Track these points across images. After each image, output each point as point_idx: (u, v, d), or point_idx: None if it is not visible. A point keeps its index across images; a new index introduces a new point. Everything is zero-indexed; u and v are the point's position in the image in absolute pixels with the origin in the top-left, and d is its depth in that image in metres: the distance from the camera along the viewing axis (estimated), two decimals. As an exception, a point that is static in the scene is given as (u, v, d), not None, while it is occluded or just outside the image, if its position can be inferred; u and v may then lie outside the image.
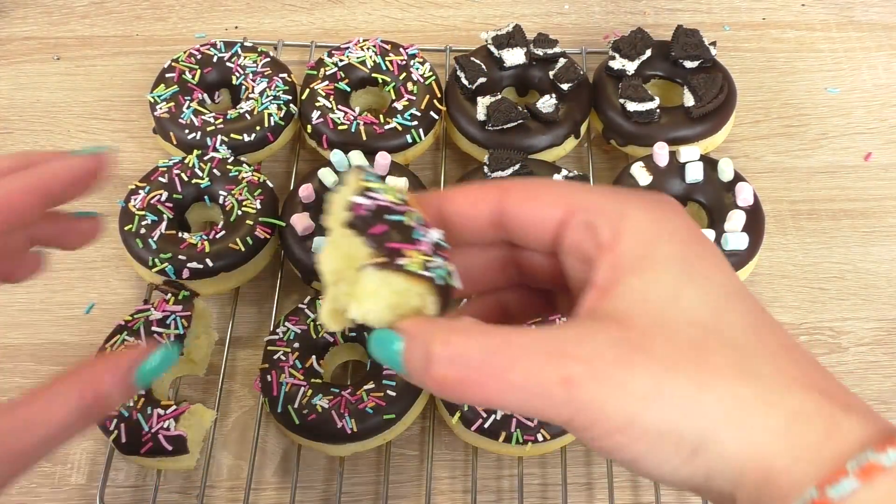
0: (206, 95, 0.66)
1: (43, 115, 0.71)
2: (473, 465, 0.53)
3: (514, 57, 0.65)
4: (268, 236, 0.58)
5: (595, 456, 0.54)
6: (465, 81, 0.64)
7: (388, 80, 0.65)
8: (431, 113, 0.64)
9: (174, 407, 0.51)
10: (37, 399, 0.32)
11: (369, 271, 0.27)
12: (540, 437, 0.50)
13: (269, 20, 0.77)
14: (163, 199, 0.58)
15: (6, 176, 0.35)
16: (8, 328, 0.59)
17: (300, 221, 0.57)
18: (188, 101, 0.64)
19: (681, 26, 0.65)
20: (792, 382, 0.24)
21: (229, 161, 0.60)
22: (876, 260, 0.63)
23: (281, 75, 0.65)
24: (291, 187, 0.62)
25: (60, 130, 0.70)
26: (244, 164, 0.61)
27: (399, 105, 0.63)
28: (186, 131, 0.62)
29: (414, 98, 0.64)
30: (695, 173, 0.58)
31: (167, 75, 0.65)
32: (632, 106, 0.62)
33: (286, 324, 0.54)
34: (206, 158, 0.60)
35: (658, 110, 0.62)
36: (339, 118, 0.62)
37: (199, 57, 0.66)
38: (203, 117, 0.62)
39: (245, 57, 0.66)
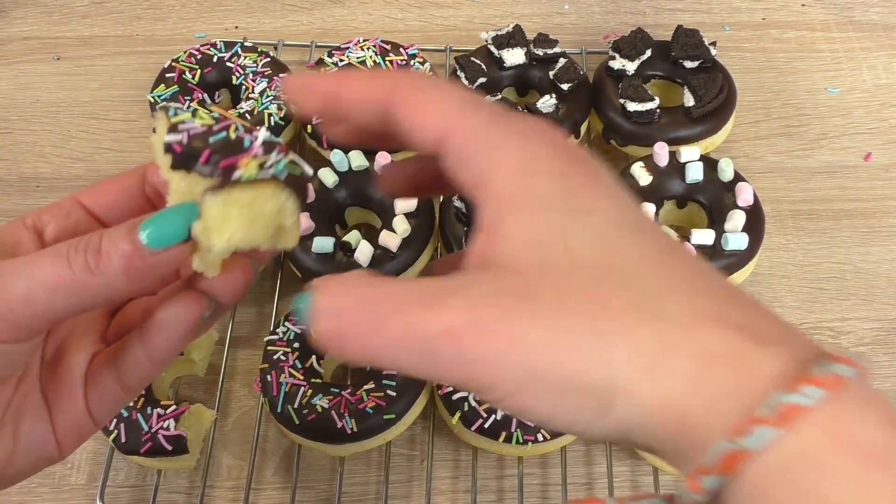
0: (206, 95, 0.66)
1: (43, 115, 0.70)
2: (473, 465, 0.53)
3: (514, 57, 0.65)
4: (268, 236, 0.58)
5: (595, 456, 0.54)
6: (465, 81, 0.64)
7: (388, 80, 0.65)
8: (431, 113, 0.64)
9: (174, 407, 0.51)
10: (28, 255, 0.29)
11: (207, 199, 0.26)
12: (540, 437, 0.50)
13: (269, 20, 0.77)
14: (163, 199, 0.58)
15: None
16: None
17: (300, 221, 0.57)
18: (188, 101, 0.64)
19: (681, 26, 0.65)
20: (702, 319, 0.22)
21: (229, 161, 0.60)
22: (876, 260, 0.63)
23: (281, 75, 0.65)
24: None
25: (60, 130, 0.70)
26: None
27: (399, 105, 0.63)
28: (186, 131, 0.62)
29: (414, 98, 0.64)
30: (695, 173, 0.58)
31: (167, 75, 0.65)
32: (632, 106, 0.62)
33: (286, 324, 0.54)
34: (206, 158, 0.60)
35: (658, 110, 0.62)
36: (339, 118, 0.62)
37: (199, 57, 0.66)
38: (203, 117, 0.62)
39: (245, 57, 0.66)
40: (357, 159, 0.59)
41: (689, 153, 0.59)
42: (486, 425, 0.50)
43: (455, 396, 0.51)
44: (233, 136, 0.27)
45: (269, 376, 0.52)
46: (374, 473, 0.54)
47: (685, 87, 0.64)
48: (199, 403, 0.53)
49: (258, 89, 0.64)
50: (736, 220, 0.56)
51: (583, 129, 0.65)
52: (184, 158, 0.27)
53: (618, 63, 0.64)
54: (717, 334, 0.22)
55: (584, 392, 0.22)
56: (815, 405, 0.20)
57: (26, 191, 0.66)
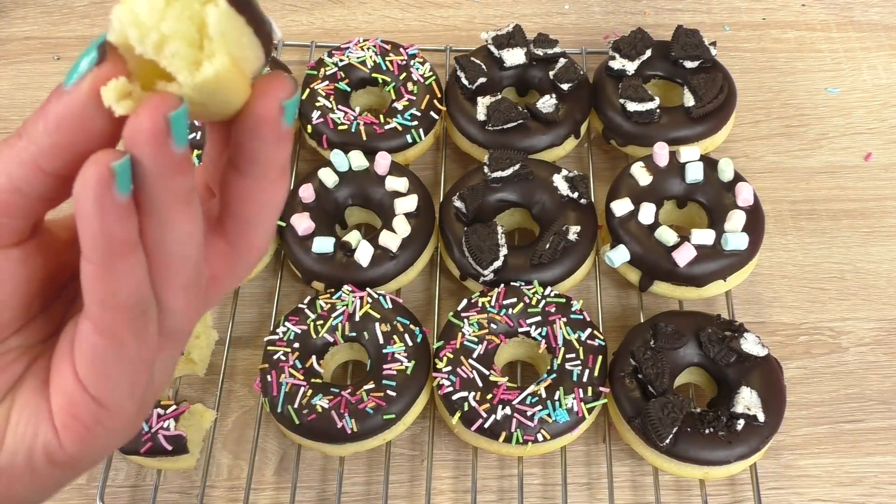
0: (206, 95, 0.66)
1: (43, 115, 0.71)
2: (473, 465, 0.53)
3: (514, 57, 0.65)
4: (268, 236, 0.58)
5: (595, 456, 0.54)
6: (465, 81, 0.64)
7: (389, 80, 0.65)
8: (431, 113, 0.64)
9: (174, 407, 0.51)
10: None
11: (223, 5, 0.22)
12: (540, 437, 0.50)
13: (269, 20, 0.77)
14: (163, 199, 0.58)
15: None
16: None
17: (300, 221, 0.57)
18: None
19: (681, 26, 0.65)
20: None
21: (229, 161, 0.60)
22: (876, 260, 0.63)
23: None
24: (291, 187, 0.62)
25: (60, 130, 0.70)
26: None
27: (399, 105, 0.63)
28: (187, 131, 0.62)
29: (414, 98, 0.64)
30: (695, 173, 0.58)
31: (167, 75, 0.65)
32: (632, 106, 0.62)
33: (286, 324, 0.54)
34: (206, 158, 0.60)
35: (658, 110, 0.62)
36: (339, 118, 0.62)
37: (199, 57, 0.66)
38: (203, 117, 0.62)
39: (245, 57, 0.66)
40: (357, 159, 0.59)
41: (689, 153, 0.59)
42: (486, 425, 0.50)
43: (455, 396, 0.51)
44: None
45: (269, 376, 0.52)
46: (374, 473, 0.54)
47: (685, 87, 0.64)
48: (199, 403, 0.53)
49: (258, 89, 0.64)
50: (736, 220, 0.56)
51: (583, 129, 0.65)
52: None
53: (618, 63, 0.64)
54: None
55: None
56: None
57: (26, 191, 0.66)
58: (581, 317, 0.54)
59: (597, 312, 0.59)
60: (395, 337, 0.53)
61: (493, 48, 0.65)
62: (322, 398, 0.51)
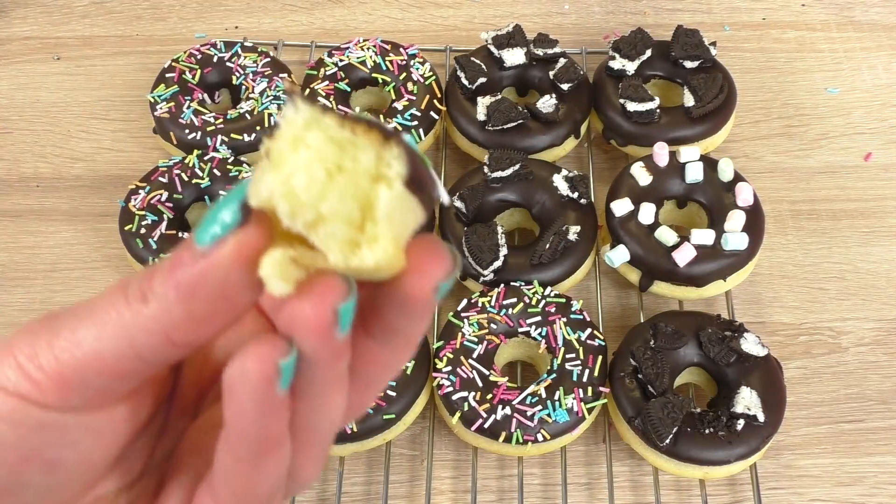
0: (206, 95, 0.66)
1: (43, 115, 0.71)
2: (473, 465, 0.53)
3: (514, 57, 0.65)
4: (268, 236, 0.58)
5: (595, 456, 0.54)
6: (465, 81, 0.64)
7: (389, 80, 0.65)
8: (431, 113, 0.64)
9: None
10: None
11: (398, 186, 0.19)
12: (540, 437, 0.50)
13: (269, 20, 0.77)
14: (163, 199, 0.58)
15: None
16: (7, 328, 0.59)
17: (300, 221, 0.57)
18: (188, 101, 0.64)
19: (681, 26, 0.65)
20: None
21: (230, 161, 0.60)
22: (876, 260, 0.63)
23: (281, 75, 0.65)
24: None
25: (60, 130, 0.70)
26: (244, 164, 0.61)
27: (399, 105, 0.63)
28: (186, 131, 0.62)
29: (414, 98, 0.64)
30: (695, 173, 0.58)
31: (167, 75, 0.65)
32: (632, 106, 0.62)
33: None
34: (206, 158, 0.60)
35: (658, 110, 0.62)
36: (339, 118, 0.62)
37: (199, 57, 0.66)
38: (203, 117, 0.63)
39: (245, 57, 0.66)
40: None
41: (689, 153, 0.59)
42: (486, 425, 0.50)
43: (455, 396, 0.51)
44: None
45: (269, 376, 0.52)
46: (374, 473, 0.54)
47: (685, 87, 0.64)
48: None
49: (258, 89, 0.64)
50: (736, 220, 0.56)
51: (583, 129, 0.65)
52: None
53: (618, 63, 0.64)
54: None
55: None
56: None
57: (26, 191, 0.66)
58: (581, 317, 0.54)
59: (597, 312, 0.59)
60: (395, 337, 0.53)
61: (493, 48, 0.65)
62: (322, 398, 0.51)
